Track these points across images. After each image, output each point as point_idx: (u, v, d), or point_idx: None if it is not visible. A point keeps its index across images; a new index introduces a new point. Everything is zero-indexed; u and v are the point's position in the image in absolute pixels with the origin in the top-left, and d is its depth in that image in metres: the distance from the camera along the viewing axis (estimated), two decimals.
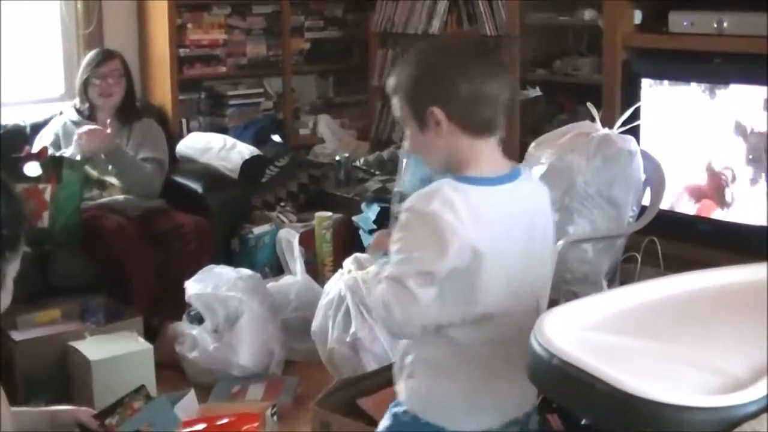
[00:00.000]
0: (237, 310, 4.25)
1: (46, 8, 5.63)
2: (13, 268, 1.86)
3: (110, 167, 4.83)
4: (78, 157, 4.69)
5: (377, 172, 5.57)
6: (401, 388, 2.26)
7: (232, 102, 6.12)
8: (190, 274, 4.41)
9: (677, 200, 4.32)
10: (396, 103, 2.23)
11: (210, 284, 4.33)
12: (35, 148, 4.80)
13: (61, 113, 5.12)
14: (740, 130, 4.07)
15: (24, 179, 4.50)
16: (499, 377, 2.21)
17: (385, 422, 2.33)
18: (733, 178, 4.14)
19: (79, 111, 4.99)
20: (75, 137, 4.73)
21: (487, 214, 2.12)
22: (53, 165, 4.59)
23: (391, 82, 2.24)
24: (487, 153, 2.21)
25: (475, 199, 2.12)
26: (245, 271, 4.44)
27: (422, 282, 2.07)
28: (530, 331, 1.85)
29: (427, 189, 2.14)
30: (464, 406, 2.21)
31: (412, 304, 2.08)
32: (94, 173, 4.82)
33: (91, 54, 5.06)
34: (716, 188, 4.20)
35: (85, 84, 4.95)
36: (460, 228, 2.07)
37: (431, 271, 2.07)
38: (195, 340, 4.28)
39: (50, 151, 4.78)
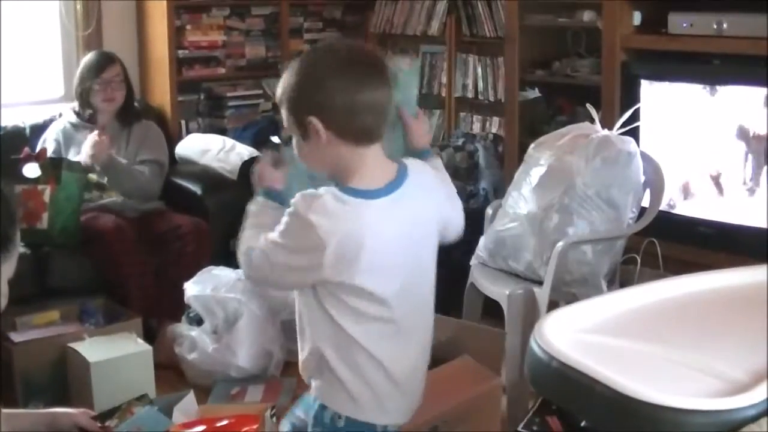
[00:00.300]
0: (236, 311, 4.25)
1: (46, 9, 5.62)
2: (7, 270, 1.82)
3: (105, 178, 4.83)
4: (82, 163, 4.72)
5: None
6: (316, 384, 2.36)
7: (231, 103, 6.10)
8: (188, 276, 4.42)
9: (677, 202, 4.32)
10: (282, 112, 2.27)
11: (209, 286, 4.33)
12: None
13: (60, 115, 5.12)
14: (740, 132, 4.07)
15: (23, 180, 4.50)
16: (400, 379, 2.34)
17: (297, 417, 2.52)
18: (733, 180, 4.14)
19: (78, 114, 4.99)
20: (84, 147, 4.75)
21: (368, 228, 2.20)
22: (52, 166, 4.58)
23: (277, 91, 2.28)
24: (371, 161, 2.27)
25: (355, 211, 2.20)
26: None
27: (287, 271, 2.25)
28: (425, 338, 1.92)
29: (312, 193, 2.21)
30: (372, 402, 2.32)
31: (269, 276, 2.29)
32: (93, 176, 4.82)
33: (90, 58, 5.06)
34: (716, 190, 4.20)
35: (87, 90, 4.95)
36: (334, 240, 2.16)
37: (300, 269, 2.23)
38: (194, 341, 4.28)
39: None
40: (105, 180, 4.84)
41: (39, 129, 5.08)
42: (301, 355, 2.37)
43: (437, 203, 2.43)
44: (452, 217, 2.50)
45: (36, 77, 5.64)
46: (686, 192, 4.30)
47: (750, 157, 4.05)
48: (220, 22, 6.05)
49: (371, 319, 2.27)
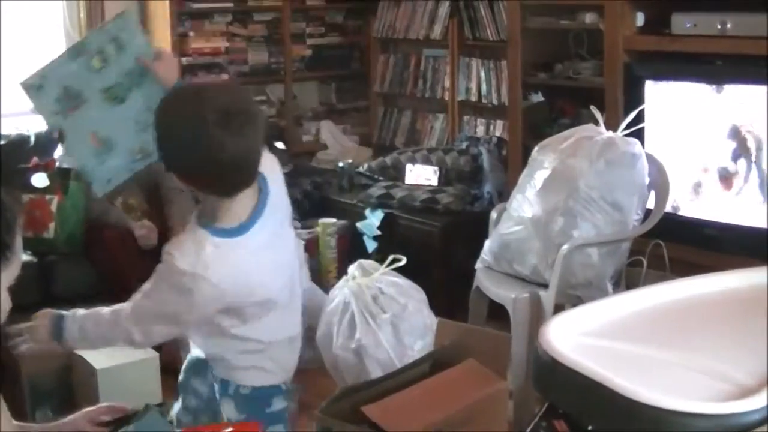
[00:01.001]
0: None
1: (49, 15, 5.62)
2: (7, 277, 1.80)
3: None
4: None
5: (380, 178, 5.56)
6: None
7: None
8: None
9: (683, 203, 4.31)
10: None
11: None
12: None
13: None
14: (744, 132, 4.06)
15: (30, 189, 4.52)
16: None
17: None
18: (738, 181, 4.12)
19: None
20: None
21: (236, 267, 2.38)
22: (61, 177, 4.59)
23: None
24: (237, 204, 2.36)
25: (224, 252, 2.34)
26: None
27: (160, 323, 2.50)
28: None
29: (183, 240, 2.34)
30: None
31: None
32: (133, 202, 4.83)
33: None
34: (721, 191, 4.19)
35: None
36: (205, 283, 2.32)
37: (172, 315, 2.45)
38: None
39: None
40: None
41: (42, 137, 5.07)
42: None
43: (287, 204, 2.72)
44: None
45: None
46: (692, 193, 4.29)
47: (754, 156, 4.03)
48: (222, 29, 6.06)
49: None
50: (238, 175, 2.21)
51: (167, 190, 4.79)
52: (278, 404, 2.96)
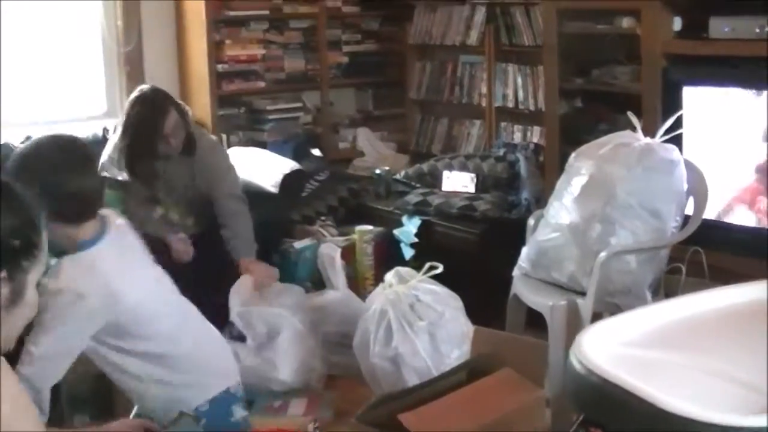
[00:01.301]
0: (278, 325, 4.24)
1: (87, 26, 5.66)
2: (33, 277, 1.82)
3: None
4: None
5: (417, 185, 5.55)
6: None
7: (270, 117, 6.11)
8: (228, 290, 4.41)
9: (722, 210, 4.27)
10: None
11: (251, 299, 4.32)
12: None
13: (105, 130, 5.13)
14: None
15: None
16: None
17: None
18: None
19: None
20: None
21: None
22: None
23: None
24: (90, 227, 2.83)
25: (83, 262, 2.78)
26: (287, 286, 4.42)
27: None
28: None
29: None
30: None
31: None
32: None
33: (139, 109, 4.48)
34: (761, 196, 4.15)
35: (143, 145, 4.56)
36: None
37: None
38: (236, 356, 4.27)
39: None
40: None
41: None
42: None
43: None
44: None
45: (78, 94, 5.67)
46: (732, 199, 4.25)
47: None
48: (258, 36, 6.06)
49: None
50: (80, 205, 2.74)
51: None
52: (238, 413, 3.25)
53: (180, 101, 4.74)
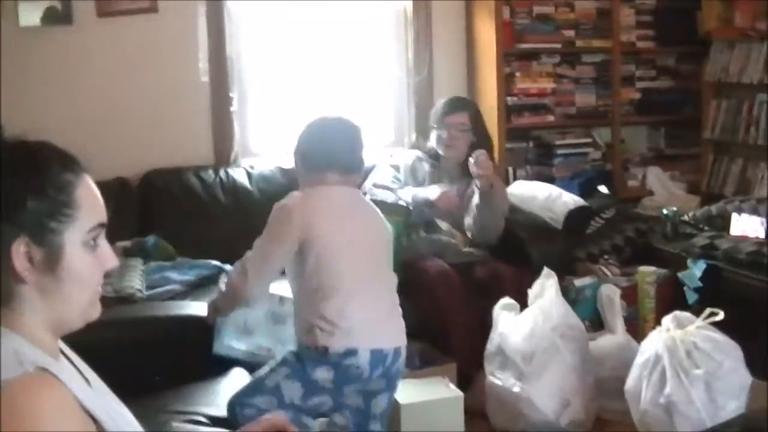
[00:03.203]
0: (547, 353, 4.16)
1: (379, 57, 5.81)
2: (74, 237, 1.69)
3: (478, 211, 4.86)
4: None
5: (705, 228, 5.34)
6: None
7: (559, 152, 6.05)
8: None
9: None
10: None
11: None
12: (380, 173, 5.05)
13: (391, 156, 5.26)
14: None
15: None
16: None
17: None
18: None
19: (427, 152, 5.09)
20: (434, 197, 4.87)
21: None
22: None
23: None
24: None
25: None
26: (570, 319, 4.31)
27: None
28: None
29: None
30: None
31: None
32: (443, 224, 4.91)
33: (444, 100, 5.13)
34: None
35: (432, 130, 5.07)
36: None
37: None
38: (498, 387, 4.23)
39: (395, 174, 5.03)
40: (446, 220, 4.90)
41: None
42: None
43: None
44: None
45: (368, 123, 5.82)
46: None
47: None
48: (549, 70, 6.02)
49: None
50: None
51: None
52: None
53: None
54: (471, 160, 4.67)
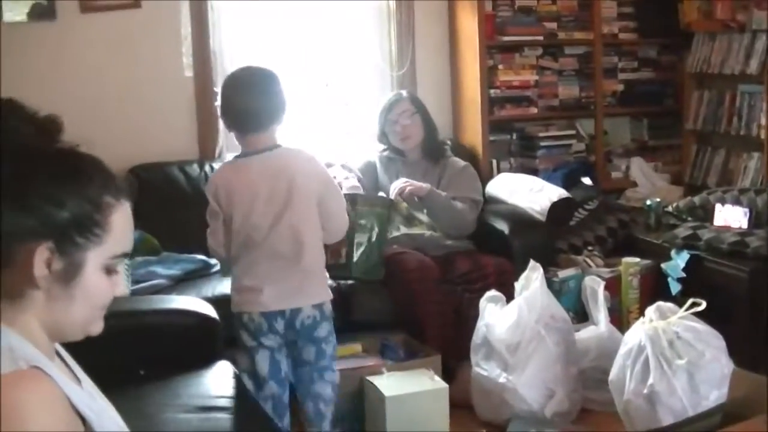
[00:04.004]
0: (531, 344, 4.19)
1: (362, 50, 5.83)
2: (96, 259, 1.69)
3: (425, 209, 4.94)
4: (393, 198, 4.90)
5: (689, 218, 5.36)
6: None
7: (542, 144, 6.05)
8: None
9: None
10: None
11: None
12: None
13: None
14: None
15: None
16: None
17: None
18: None
19: (393, 150, 5.18)
20: (395, 189, 4.93)
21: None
22: (350, 203, 4.72)
23: None
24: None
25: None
26: (554, 310, 4.34)
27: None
28: None
29: None
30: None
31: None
32: (403, 207, 4.92)
33: (385, 101, 5.28)
34: None
35: (383, 131, 5.20)
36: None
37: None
38: (482, 379, 4.26)
39: (359, 177, 5.09)
40: (415, 212, 4.94)
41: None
42: None
43: None
44: None
45: (351, 115, 5.85)
46: None
47: None
48: (532, 62, 6.03)
49: None
50: None
51: None
52: None
53: None
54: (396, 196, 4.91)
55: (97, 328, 1.75)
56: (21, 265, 1.62)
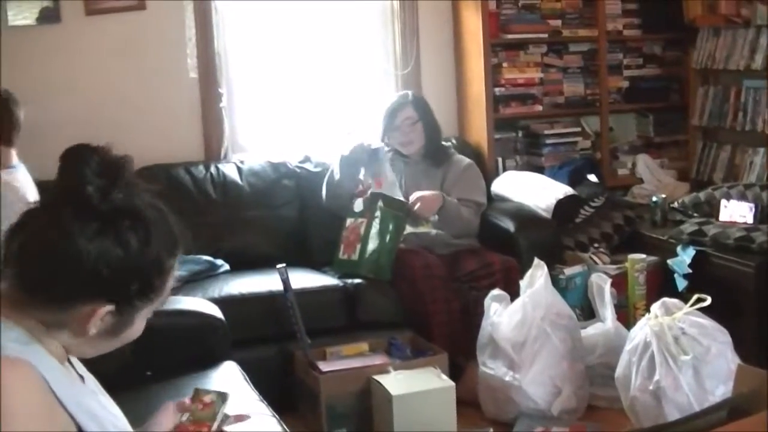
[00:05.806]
0: (537, 341, 4.20)
1: (367, 50, 5.83)
2: (145, 313, 1.74)
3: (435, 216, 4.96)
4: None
5: (694, 214, 5.36)
6: None
7: (548, 141, 6.05)
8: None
9: None
10: None
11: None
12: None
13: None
14: None
15: (353, 215, 4.83)
16: None
17: None
18: None
19: (396, 151, 5.18)
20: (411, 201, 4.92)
21: None
22: (371, 201, 4.76)
23: None
24: None
25: None
26: (559, 307, 4.35)
27: None
28: None
29: None
30: None
31: None
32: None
33: (387, 104, 5.25)
34: None
35: (386, 136, 5.20)
36: None
37: None
38: (490, 376, 4.27)
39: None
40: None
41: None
42: None
43: None
44: None
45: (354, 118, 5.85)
46: None
47: None
48: (537, 60, 6.03)
49: None
50: None
51: None
52: None
53: None
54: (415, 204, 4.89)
55: (110, 350, 1.77)
56: (76, 317, 1.64)
